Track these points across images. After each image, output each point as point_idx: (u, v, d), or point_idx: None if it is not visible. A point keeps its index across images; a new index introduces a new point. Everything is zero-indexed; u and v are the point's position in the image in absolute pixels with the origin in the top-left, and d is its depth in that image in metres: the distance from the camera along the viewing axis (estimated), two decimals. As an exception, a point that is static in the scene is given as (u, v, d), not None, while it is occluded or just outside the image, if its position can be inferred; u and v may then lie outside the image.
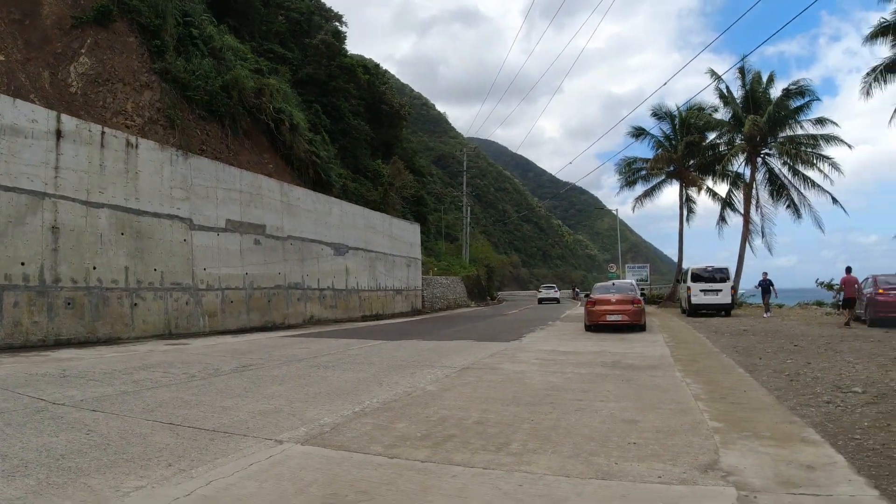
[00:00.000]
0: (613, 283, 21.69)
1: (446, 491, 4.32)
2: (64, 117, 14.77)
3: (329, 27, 47.08)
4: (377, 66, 64.61)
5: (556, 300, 53.36)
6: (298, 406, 7.25)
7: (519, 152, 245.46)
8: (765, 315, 25.91)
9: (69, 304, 14.35)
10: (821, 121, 33.96)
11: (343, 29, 50.51)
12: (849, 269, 21.45)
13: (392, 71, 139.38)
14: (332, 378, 9.47)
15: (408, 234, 35.14)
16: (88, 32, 20.29)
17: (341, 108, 42.93)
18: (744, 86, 35.67)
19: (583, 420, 6.44)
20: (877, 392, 7.96)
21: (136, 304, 16.19)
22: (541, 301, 52.78)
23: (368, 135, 46.12)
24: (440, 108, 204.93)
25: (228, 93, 25.59)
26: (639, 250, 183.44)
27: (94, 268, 15.04)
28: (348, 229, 27.35)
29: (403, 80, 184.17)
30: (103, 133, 15.70)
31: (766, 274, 27.37)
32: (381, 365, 10.99)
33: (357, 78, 46.65)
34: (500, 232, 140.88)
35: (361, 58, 60.49)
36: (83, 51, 19.91)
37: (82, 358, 11.73)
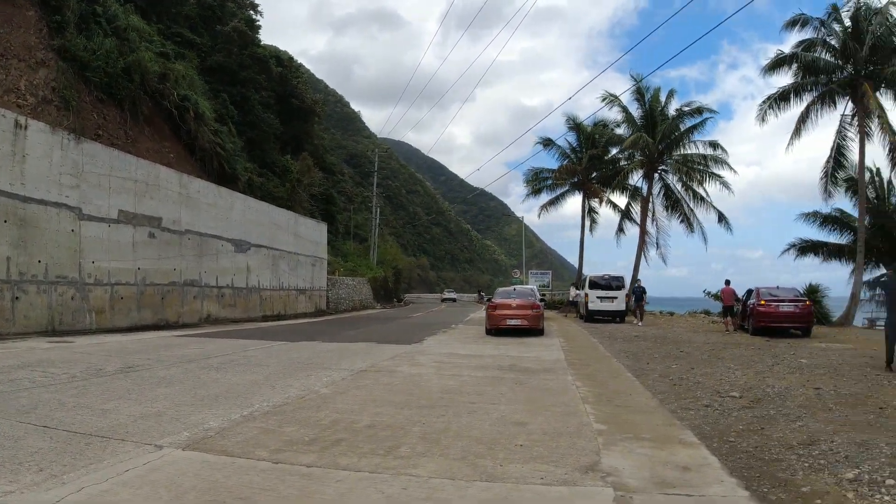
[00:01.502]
0: (514, 289, 22.13)
1: (329, 496, 4.25)
2: (-55, 93, 13.66)
3: (243, 15, 45.46)
4: (291, 58, 62.98)
5: (454, 300, 71.27)
6: (184, 409, 6.96)
7: (431, 156, 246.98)
8: (638, 324, 25.75)
9: (-60, 295, 13.25)
10: (713, 144, 36.15)
11: (257, 18, 48.89)
12: (727, 282, 23.02)
13: (307, 66, 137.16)
14: (223, 380, 9.15)
15: (314, 233, 34.49)
16: (-14, 4, 18.86)
17: (251, 99, 41.62)
18: (643, 105, 37.33)
19: (474, 423, 6.51)
20: (753, 397, 8.45)
21: (17, 298, 15.07)
22: (443, 300, 70.15)
23: (278, 129, 44.99)
24: (355, 106, 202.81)
25: (130, 76, 24.28)
26: (544, 257, 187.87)
27: (-29, 258, 13.95)
28: (251, 225, 26.52)
29: (318, 75, 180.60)
30: (-10, 112, 14.61)
31: (639, 281, 28.28)
32: (276, 367, 10.72)
33: (269, 69, 45.40)
34: (409, 234, 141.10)
35: (276, 49, 58.92)
36: (-22, 23, 18.50)
37: (-46, 354, 10.88)
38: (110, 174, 18.37)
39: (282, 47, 67.66)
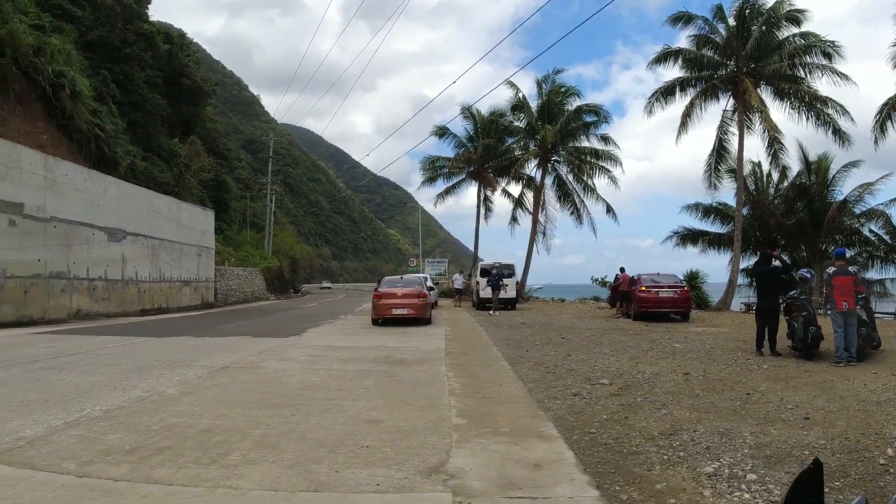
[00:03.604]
0: (402, 278, 21.78)
1: (122, 516, 3.70)
2: None
3: (130, -13, 42.52)
4: (182, 35, 59.80)
5: (330, 288, 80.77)
6: (3, 415, 6.22)
7: (334, 143, 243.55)
8: (494, 314, 24.15)
9: None
10: (605, 138, 37.12)
11: (147, -8, 45.93)
12: (622, 269, 23.43)
13: (203, 46, 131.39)
14: (61, 382, 8.24)
15: (200, 221, 32.60)
16: None
17: (135, 77, 38.88)
18: (540, 97, 37.91)
19: (324, 422, 6.02)
20: (622, 384, 8.36)
21: None
22: (322, 289, 77.79)
23: (165, 110, 42.38)
24: (254, 90, 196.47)
25: (1, 49, 22.24)
26: (447, 246, 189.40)
27: None
28: (128, 213, 24.63)
29: (216, 56, 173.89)
30: None
31: (493, 269, 26.80)
32: (128, 366, 9.79)
33: (156, 46, 42.68)
34: (311, 223, 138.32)
35: (168, 26, 55.68)
36: None
37: None
38: (-36, 156, 16.58)
39: (176, 26, 64.28)
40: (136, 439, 5.39)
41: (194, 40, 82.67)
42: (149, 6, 45.57)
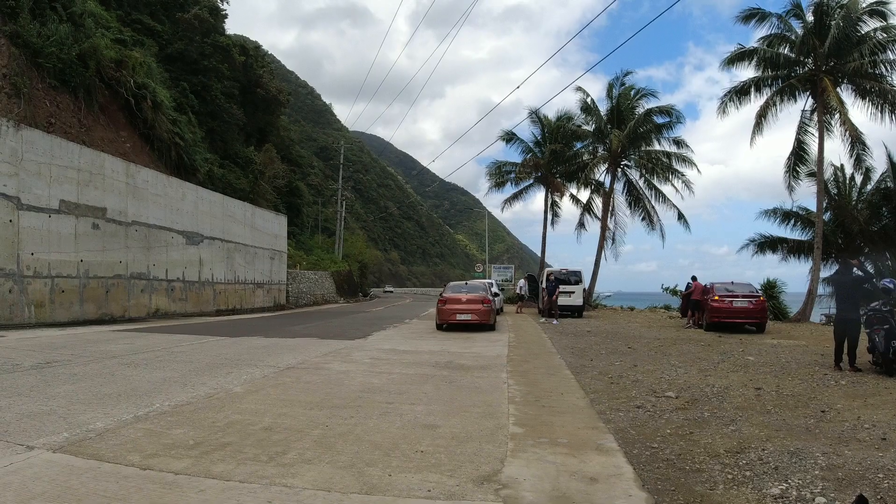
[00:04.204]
0: (466, 283, 21.78)
1: (179, 510, 3.82)
2: None
3: (206, 2, 44.32)
4: (257, 47, 61.80)
5: (392, 292, 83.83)
6: (77, 408, 6.53)
7: (403, 150, 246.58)
8: (553, 322, 23.13)
9: None
10: (678, 142, 36.06)
11: (223, 7, 47.50)
12: (694, 278, 22.70)
13: (277, 58, 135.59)
14: (134, 377, 8.62)
15: (273, 226, 33.67)
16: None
17: (212, 88, 40.50)
18: (610, 100, 37.34)
19: (381, 425, 6.06)
20: (689, 397, 8.08)
21: (-54, 290, 14.32)
22: (385, 292, 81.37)
23: (241, 119, 43.92)
24: (326, 99, 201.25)
25: (85, 62, 23.34)
26: (515, 251, 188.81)
27: None
28: (204, 217, 25.72)
29: (290, 67, 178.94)
30: None
31: (550, 275, 25.99)
32: (199, 363, 10.17)
33: (232, 58, 44.30)
34: (380, 228, 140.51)
35: (244, 38, 57.56)
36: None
37: None
38: (51, 162, 17.57)
39: (251, 39, 66.44)
40: (200, 435, 5.59)
41: (269, 52, 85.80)
42: (225, 20, 47.23)
